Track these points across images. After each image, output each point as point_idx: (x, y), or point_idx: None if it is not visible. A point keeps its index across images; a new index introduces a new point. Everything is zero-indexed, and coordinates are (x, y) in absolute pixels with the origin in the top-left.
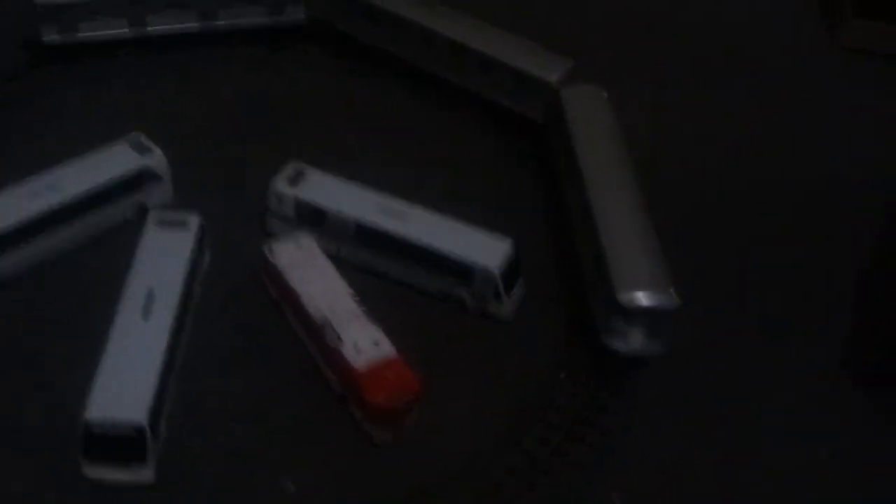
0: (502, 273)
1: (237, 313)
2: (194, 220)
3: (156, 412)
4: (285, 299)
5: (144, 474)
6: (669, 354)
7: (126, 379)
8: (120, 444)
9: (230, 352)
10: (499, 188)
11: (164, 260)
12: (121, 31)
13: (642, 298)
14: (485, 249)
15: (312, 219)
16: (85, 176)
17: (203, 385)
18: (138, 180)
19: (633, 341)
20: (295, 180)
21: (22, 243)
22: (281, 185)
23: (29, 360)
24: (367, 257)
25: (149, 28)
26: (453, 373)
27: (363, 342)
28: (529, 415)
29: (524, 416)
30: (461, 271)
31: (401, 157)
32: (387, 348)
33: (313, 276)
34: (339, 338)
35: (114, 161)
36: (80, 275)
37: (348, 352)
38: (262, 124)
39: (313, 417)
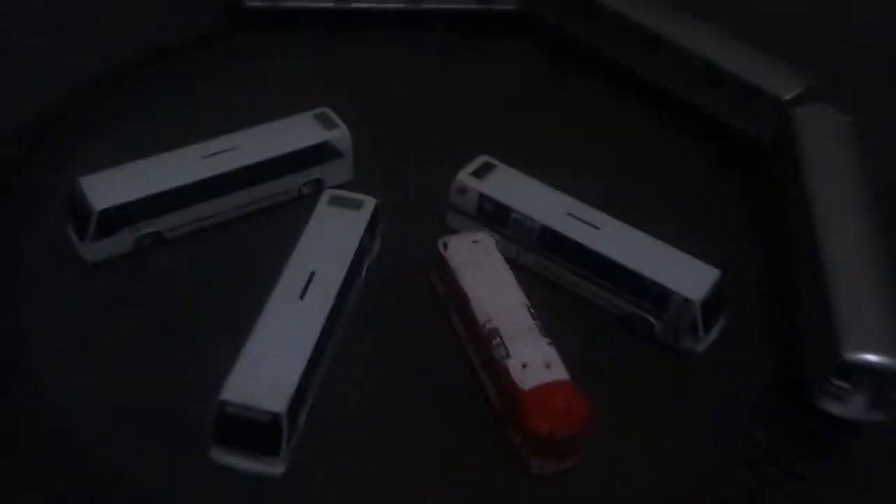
0: (703, 305)
1: (398, 308)
2: (370, 204)
3: (296, 403)
4: (453, 300)
5: (274, 467)
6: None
7: (271, 361)
8: (253, 431)
9: (384, 350)
10: (708, 211)
11: (331, 241)
12: (324, 2)
13: (873, 359)
14: (687, 276)
15: (495, 217)
16: (266, 143)
17: (348, 383)
18: (319, 155)
19: (854, 406)
20: (482, 174)
21: (195, 203)
22: (466, 177)
23: (181, 322)
24: (548, 266)
25: (353, 3)
26: (629, 408)
27: (533, 360)
28: (712, 473)
29: (705, 474)
30: (656, 296)
31: (600, 167)
32: (558, 371)
33: (487, 279)
34: (506, 352)
35: (297, 132)
36: (247, 244)
37: (515, 369)
38: (454, 114)
39: (466, 435)
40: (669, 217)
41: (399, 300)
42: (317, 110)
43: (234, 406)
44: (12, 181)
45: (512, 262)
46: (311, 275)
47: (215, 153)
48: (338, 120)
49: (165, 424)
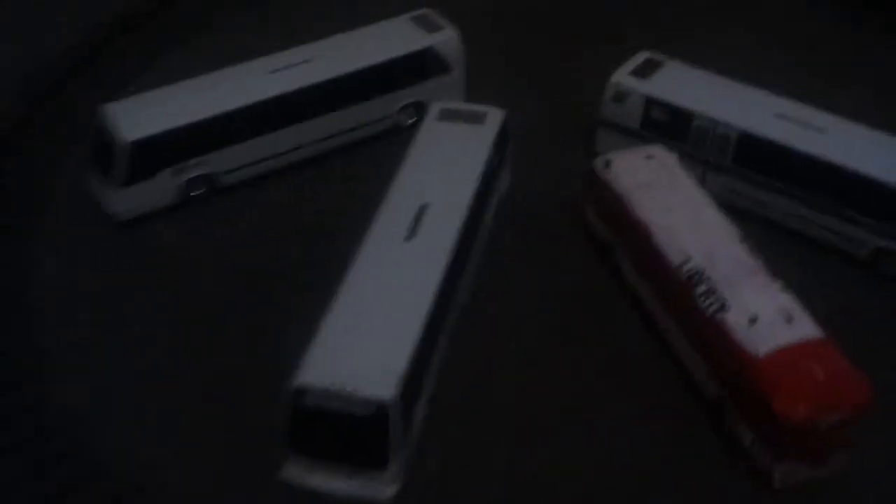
0: None
1: (542, 259)
2: (496, 115)
3: (410, 388)
4: (625, 239)
5: (380, 487)
6: None
7: (370, 329)
8: (346, 433)
9: (528, 312)
10: None
11: (448, 164)
12: None
13: None
14: None
15: (668, 129)
16: (349, 53)
17: (484, 361)
18: (421, 66)
19: None
20: (646, 73)
21: (257, 134)
22: (625, 77)
23: (244, 298)
24: (750, 193)
25: None
26: None
27: (766, 312)
28: None
29: None
30: None
31: (804, 66)
32: (806, 326)
33: (676, 205)
34: (722, 302)
35: (389, 39)
36: (336, 180)
37: (739, 326)
38: (596, 8)
39: (662, 432)
40: None
41: (542, 247)
42: (416, 12)
43: (317, 394)
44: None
45: None
46: (423, 208)
47: (284, 68)
48: (443, 21)
49: (222, 431)
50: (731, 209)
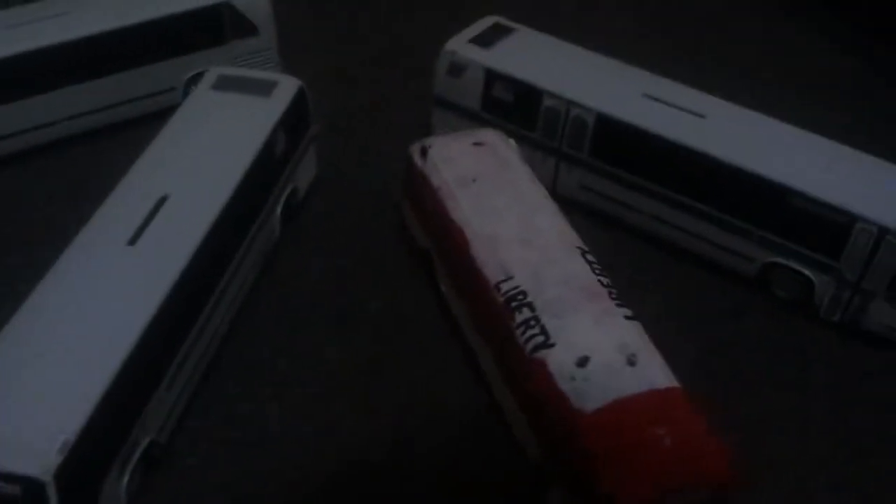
0: None
1: (347, 275)
2: (288, 85)
3: (97, 455)
4: (441, 249)
5: None
6: None
7: (42, 371)
8: None
9: (321, 343)
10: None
11: (209, 145)
12: None
13: None
14: (876, 188)
15: (514, 110)
16: (120, 5)
17: (251, 406)
18: (216, 26)
19: None
20: (489, 41)
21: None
22: (463, 45)
23: None
24: (611, 191)
25: None
26: (797, 448)
27: (603, 351)
28: None
29: None
30: (821, 228)
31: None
32: (657, 373)
33: (502, 206)
34: (545, 335)
35: None
36: (87, 165)
37: (563, 368)
38: None
39: None
40: (810, 98)
41: (348, 258)
42: None
43: None
44: None
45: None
46: (161, 201)
47: (29, 21)
48: None
49: None
50: (589, 212)
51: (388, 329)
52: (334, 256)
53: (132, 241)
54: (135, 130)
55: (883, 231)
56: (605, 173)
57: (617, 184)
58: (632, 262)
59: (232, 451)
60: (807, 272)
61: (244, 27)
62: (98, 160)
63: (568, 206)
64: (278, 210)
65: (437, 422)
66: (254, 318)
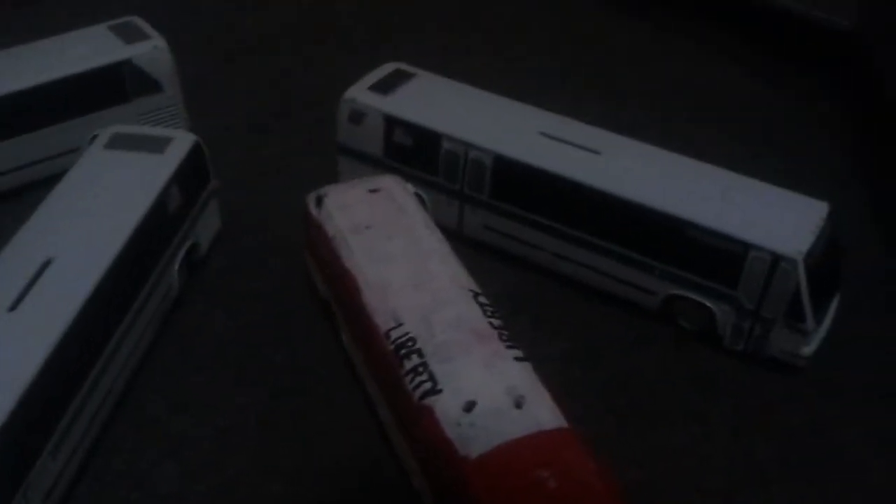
0: (810, 268)
1: (252, 325)
2: (183, 141)
3: None
4: (337, 294)
5: None
6: None
7: None
8: None
9: (217, 404)
10: (769, 130)
11: (98, 205)
12: None
13: None
14: (772, 217)
15: (415, 156)
16: (25, 66)
17: (147, 464)
18: (117, 84)
19: None
20: (388, 87)
21: None
22: (362, 92)
23: None
24: (516, 231)
25: None
26: (694, 485)
27: (490, 395)
28: None
29: None
30: (719, 259)
31: (583, 71)
32: (544, 414)
33: (399, 252)
34: (433, 382)
35: (81, 49)
36: None
37: (450, 414)
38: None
39: None
40: (722, 130)
41: (254, 311)
42: (120, 19)
43: None
44: None
45: (452, 236)
46: (44, 265)
47: None
48: (150, 30)
49: None
50: (495, 253)
51: (289, 382)
52: (238, 310)
53: (13, 306)
54: (43, 191)
55: (776, 258)
56: (507, 213)
57: (519, 223)
58: (537, 301)
59: None
60: (707, 303)
61: (147, 84)
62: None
63: (474, 248)
64: (176, 266)
65: (334, 476)
66: (152, 375)
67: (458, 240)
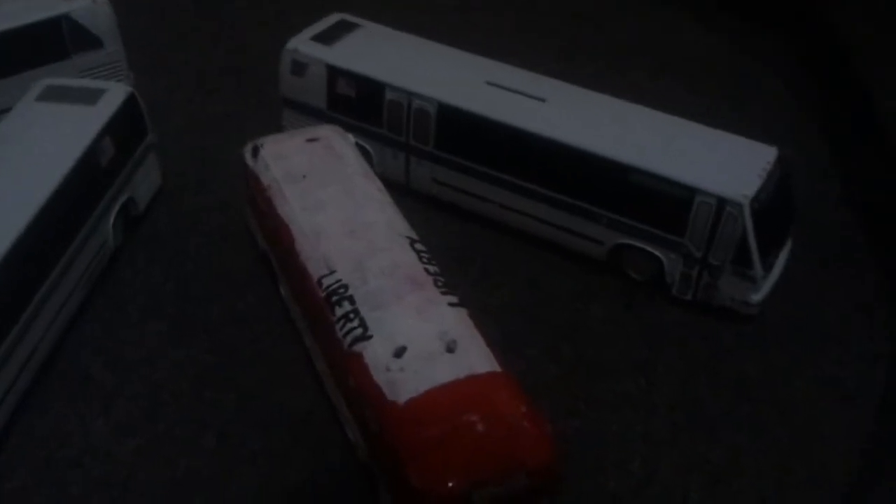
0: (756, 209)
1: (190, 279)
2: (116, 93)
3: None
4: (274, 248)
5: None
6: None
7: None
8: None
9: (158, 349)
10: (726, 85)
11: (22, 160)
12: None
13: None
14: (718, 161)
15: (361, 106)
16: None
17: (77, 421)
18: (57, 38)
19: None
20: (332, 38)
21: None
22: (305, 43)
23: None
24: (461, 182)
25: None
26: (640, 434)
27: (421, 340)
28: None
29: None
30: (665, 205)
31: (534, 33)
32: (477, 359)
33: (333, 200)
34: (364, 328)
35: (19, 4)
36: None
37: (379, 360)
38: None
39: None
40: (681, 82)
41: (193, 262)
42: None
43: None
44: None
45: (401, 191)
46: None
47: None
48: None
49: None
50: (443, 206)
51: (226, 337)
52: (176, 266)
53: None
54: None
55: (722, 202)
56: (452, 164)
57: (465, 175)
58: (484, 253)
59: (54, 472)
60: (655, 252)
61: (87, 40)
62: None
63: (423, 202)
64: (111, 221)
65: (269, 430)
66: (86, 332)
67: (408, 195)
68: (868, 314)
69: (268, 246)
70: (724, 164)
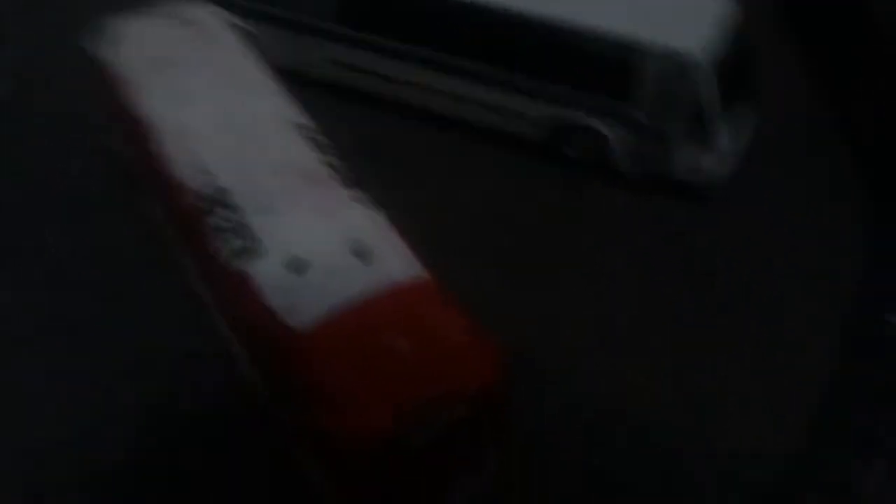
0: (713, 66)
1: (22, 203)
2: None
3: None
4: (132, 151)
5: None
6: None
7: None
8: None
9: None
10: None
11: None
12: None
13: None
14: (667, 16)
15: None
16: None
17: None
18: None
19: None
20: None
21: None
22: None
23: None
24: (368, 61)
25: None
26: (604, 335)
27: (326, 248)
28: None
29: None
30: (609, 68)
31: None
32: (398, 264)
33: (206, 91)
34: (251, 240)
35: None
36: None
37: (271, 277)
38: None
39: (191, 459)
40: None
41: (30, 182)
42: None
43: None
44: None
45: (295, 78)
46: None
47: None
48: None
49: None
50: (346, 92)
51: (79, 273)
52: (7, 187)
53: None
54: None
55: (673, 60)
56: (357, 41)
57: (371, 52)
58: (400, 146)
59: None
60: (600, 127)
61: None
62: None
63: (321, 88)
64: None
65: (142, 377)
66: None
67: (304, 83)
68: (837, 199)
69: (125, 152)
70: (676, 19)
